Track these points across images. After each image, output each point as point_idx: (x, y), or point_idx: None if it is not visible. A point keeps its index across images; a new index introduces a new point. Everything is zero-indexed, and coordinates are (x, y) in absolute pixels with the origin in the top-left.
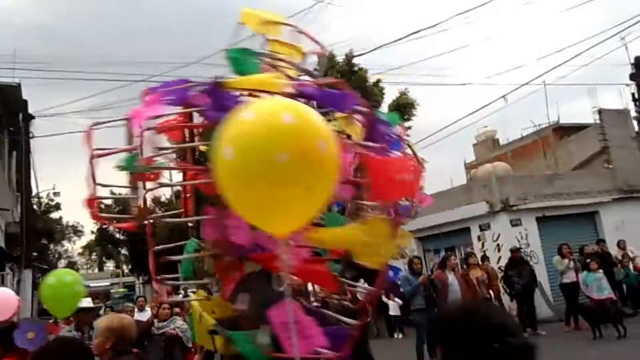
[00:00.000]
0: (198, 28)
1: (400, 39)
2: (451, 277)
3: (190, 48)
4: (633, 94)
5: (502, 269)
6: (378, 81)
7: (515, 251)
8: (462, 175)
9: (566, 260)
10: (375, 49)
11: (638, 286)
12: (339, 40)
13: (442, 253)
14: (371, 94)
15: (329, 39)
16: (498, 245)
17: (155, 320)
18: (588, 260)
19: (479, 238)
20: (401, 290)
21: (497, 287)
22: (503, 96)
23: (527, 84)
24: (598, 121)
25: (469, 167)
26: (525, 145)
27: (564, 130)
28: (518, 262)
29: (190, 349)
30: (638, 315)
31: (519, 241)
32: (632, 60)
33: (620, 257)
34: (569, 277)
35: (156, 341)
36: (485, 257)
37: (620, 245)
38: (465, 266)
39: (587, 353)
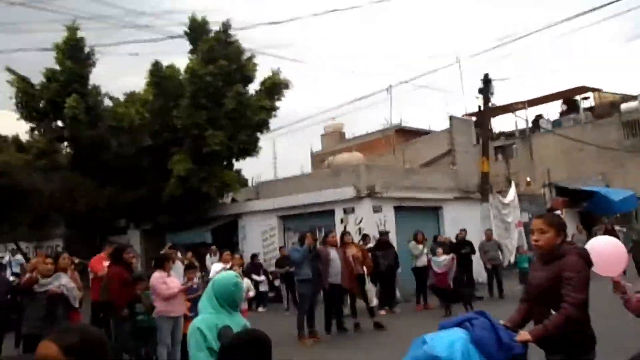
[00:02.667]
0: None
1: (293, 19)
2: (333, 253)
3: None
4: (479, 106)
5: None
6: (252, 56)
7: (383, 234)
8: (308, 163)
9: (420, 246)
10: (274, 23)
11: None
12: (212, 7)
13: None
14: (246, 67)
15: (201, 4)
16: (360, 228)
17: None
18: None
19: (341, 221)
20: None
21: (370, 264)
22: (387, 89)
23: (405, 82)
24: (431, 128)
25: (315, 155)
26: (369, 141)
27: (404, 132)
28: (385, 244)
29: (76, 308)
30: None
31: (378, 226)
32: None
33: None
34: (422, 262)
35: (38, 299)
36: (366, 236)
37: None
38: (341, 244)
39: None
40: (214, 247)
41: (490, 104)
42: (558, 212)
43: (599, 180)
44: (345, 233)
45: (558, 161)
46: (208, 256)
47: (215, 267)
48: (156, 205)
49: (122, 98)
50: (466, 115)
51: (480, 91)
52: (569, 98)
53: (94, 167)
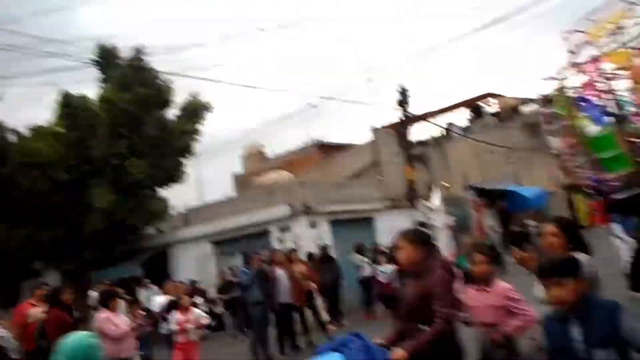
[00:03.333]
0: None
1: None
2: (280, 272)
3: None
4: (400, 118)
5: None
6: (169, 80)
7: (324, 248)
8: (229, 186)
9: (363, 257)
10: (198, 45)
11: None
12: (118, 32)
13: (239, 256)
14: (163, 92)
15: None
16: (298, 246)
17: None
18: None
19: (279, 240)
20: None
21: (318, 279)
22: (314, 105)
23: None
24: (351, 142)
25: (237, 178)
26: (291, 159)
27: (325, 147)
28: (327, 258)
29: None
30: None
31: (315, 242)
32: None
33: None
34: (366, 272)
35: None
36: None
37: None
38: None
39: None
40: (146, 280)
41: (408, 115)
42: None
43: (511, 180)
44: (291, 250)
45: (471, 165)
46: (142, 290)
47: (159, 300)
48: (78, 242)
49: (25, 132)
50: (386, 126)
51: (399, 103)
52: (475, 105)
53: (3, 207)
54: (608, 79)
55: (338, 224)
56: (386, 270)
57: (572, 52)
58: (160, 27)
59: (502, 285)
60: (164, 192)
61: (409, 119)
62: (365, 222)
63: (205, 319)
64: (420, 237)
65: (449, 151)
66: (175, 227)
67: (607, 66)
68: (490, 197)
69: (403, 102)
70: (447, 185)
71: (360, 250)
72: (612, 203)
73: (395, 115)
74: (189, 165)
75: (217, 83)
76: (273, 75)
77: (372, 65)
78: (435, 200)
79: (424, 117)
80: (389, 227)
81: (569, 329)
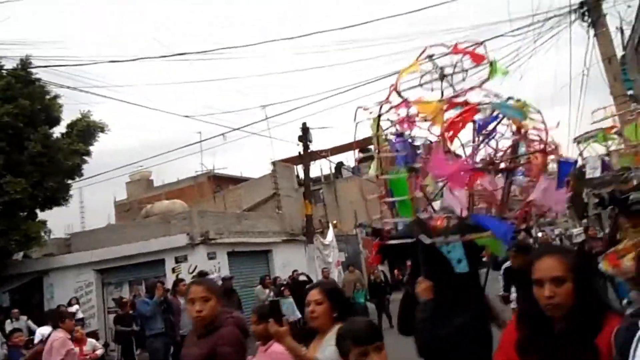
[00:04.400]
0: None
1: (121, 61)
2: (183, 302)
3: None
4: (299, 152)
5: None
6: (56, 96)
7: (227, 280)
8: (111, 213)
9: (267, 290)
10: (114, 61)
11: None
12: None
13: (126, 286)
14: (50, 108)
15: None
16: (194, 277)
17: None
18: (282, 288)
19: (173, 270)
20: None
21: None
22: (223, 134)
23: (239, 129)
24: (243, 175)
25: (119, 205)
26: (180, 189)
27: (218, 179)
28: (228, 290)
29: None
30: None
31: (213, 273)
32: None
33: None
34: None
35: None
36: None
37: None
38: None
39: None
40: (16, 311)
41: (309, 150)
42: (212, 276)
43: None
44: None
45: (360, 203)
46: (8, 322)
47: (42, 331)
48: None
49: None
50: (284, 160)
51: (300, 138)
52: (363, 146)
53: None
54: (410, 123)
55: (235, 255)
56: (289, 302)
57: (394, 89)
58: (56, 37)
59: (276, 348)
60: (42, 214)
61: (308, 155)
62: (262, 254)
63: (101, 349)
64: (219, 289)
65: (340, 189)
66: (50, 253)
67: (414, 111)
68: (379, 235)
69: (304, 138)
70: (336, 222)
71: (263, 283)
72: (384, 247)
73: (295, 150)
74: (75, 188)
75: (111, 101)
76: (168, 99)
77: (271, 99)
78: (329, 236)
79: (315, 155)
80: (286, 260)
81: None
